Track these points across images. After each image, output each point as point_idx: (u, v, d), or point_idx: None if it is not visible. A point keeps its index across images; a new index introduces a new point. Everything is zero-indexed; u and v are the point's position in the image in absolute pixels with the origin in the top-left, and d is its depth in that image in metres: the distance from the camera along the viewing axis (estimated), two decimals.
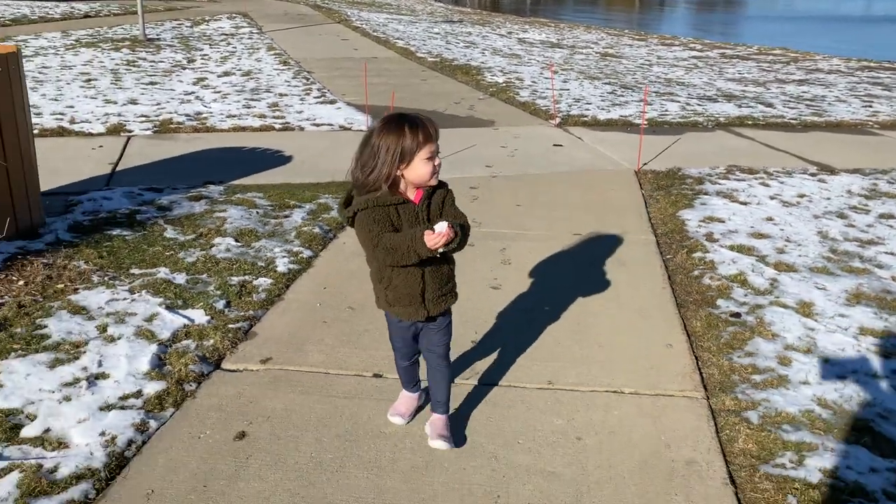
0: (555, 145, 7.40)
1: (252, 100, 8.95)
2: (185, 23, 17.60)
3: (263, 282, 3.99)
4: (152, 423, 2.82)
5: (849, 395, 3.16)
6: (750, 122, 8.76)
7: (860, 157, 7.23)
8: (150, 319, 3.53)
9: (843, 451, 2.79)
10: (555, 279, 4.25)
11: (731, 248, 4.68)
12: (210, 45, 13.95)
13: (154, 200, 5.18)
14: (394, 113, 2.38)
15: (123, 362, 3.16)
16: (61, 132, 7.09)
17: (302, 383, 3.12)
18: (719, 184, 6.07)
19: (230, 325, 3.53)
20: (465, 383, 3.15)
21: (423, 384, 2.89)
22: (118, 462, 2.60)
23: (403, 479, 2.57)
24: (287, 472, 2.58)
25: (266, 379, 3.15)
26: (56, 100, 8.48)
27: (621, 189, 6.01)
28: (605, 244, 4.78)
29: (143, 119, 7.71)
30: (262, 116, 8.07)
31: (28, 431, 2.73)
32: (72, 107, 8.15)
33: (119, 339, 3.34)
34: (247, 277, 4.03)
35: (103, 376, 3.07)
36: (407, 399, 2.89)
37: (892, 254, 4.69)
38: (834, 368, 3.36)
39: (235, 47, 13.75)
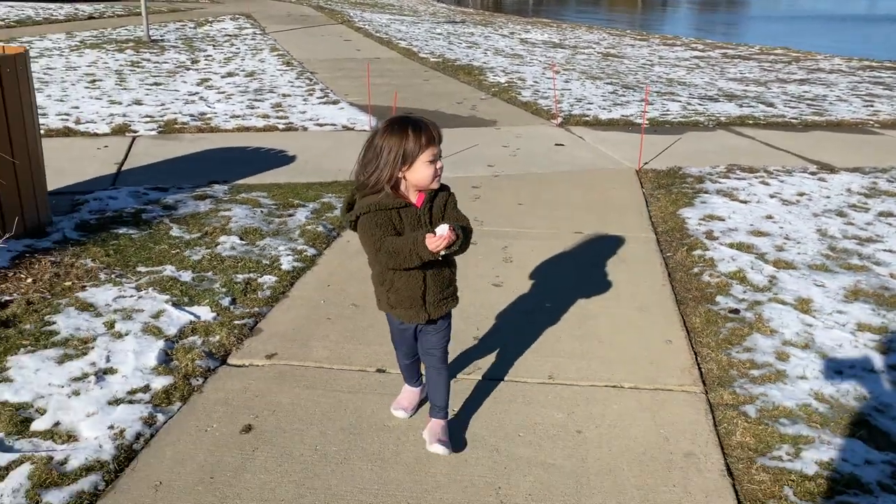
0: (556, 145, 7.45)
1: (255, 100, 9.02)
2: (188, 24, 17.68)
3: (268, 279, 4.05)
4: (160, 417, 2.87)
5: (845, 389, 3.20)
6: (751, 122, 8.80)
7: (860, 155, 7.26)
8: (156, 316, 3.58)
9: (840, 444, 2.84)
10: (556, 277, 4.30)
11: (731, 245, 4.72)
12: (213, 46, 14.02)
13: (159, 200, 5.24)
14: (398, 115, 2.41)
15: (131, 358, 3.21)
16: (67, 132, 7.15)
17: (307, 378, 3.17)
18: (720, 182, 6.11)
19: (236, 322, 3.58)
20: (466, 378, 3.20)
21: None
22: (127, 454, 2.66)
23: (407, 470, 2.62)
24: (293, 464, 2.63)
25: (271, 374, 3.20)
26: (61, 100, 8.55)
27: (622, 188, 6.05)
28: (606, 242, 4.83)
29: (148, 119, 7.78)
30: (266, 117, 8.13)
31: (38, 425, 2.78)
32: (77, 107, 8.22)
33: (126, 335, 3.40)
34: (252, 275, 4.08)
35: (111, 371, 3.13)
36: (409, 393, 2.94)
37: (890, 251, 4.73)
38: (831, 364, 3.40)
39: (239, 48, 13.81)
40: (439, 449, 2.67)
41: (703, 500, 2.52)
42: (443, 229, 2.25)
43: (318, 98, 9.33)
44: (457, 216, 2.46)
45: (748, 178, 6.27)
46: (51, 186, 4.88)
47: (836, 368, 3.37)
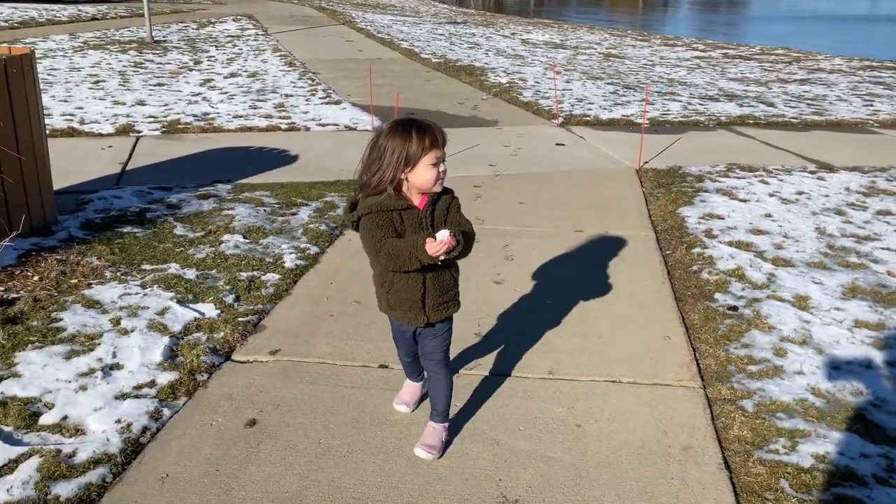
0: (557, 144, 7.50)
1: (258, 100, 9.07)
2: (191, 25, 17.74)
3: (271, 277, 4.09)
4: (166, 412, 2.92)
5: (842, 384, 3.24)
6: (751, 122, 8.84)
7: (860, 155, 7.30)
8: (161, 313, 3.63)
9: (836, 437, 2.88)
10: (556, 275, 4.34)
11: (730, 243, 4.76)
12: (216, 46, 14.08)
13: (163, 199, 5.29)
14: (404, 117, 2.42)
15: (137, 354, 3.26)
16: (71, 133, 7.21)
17: (310, 374, 3.22)
18: (719, 181, 6.16)
19: (240, 319, 3.63)
20: (468, 374, 3.25)
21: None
22: (134, 448, 2.70)
23: (409, 463, 2.66)
24: (297, 457, 2.68)
25: (275, 369, 3.24)
26: (65, 101, 8.60)
27: (622, 187, 6.10)
28: (606, 241, 4.87)
29: (152, 119, 7.83)
30: (269, 117, 8.18)
31: (46, 419, 2.83)
32: (81, 108, 8.27)
33: (132, 331, 3.45)
34: (255, 273, 4.13)
35: (118, 367, 3.18)
36: (411, 388, 2.98)
37: (888, 249, 4.77)
38: (828, 359, 3.44)
39: (241, 49, 13.87)
40: (422, 453, 2.68)
41: (700, 492, 2.56)
42: (443, 234, 2.26)
43: (320, 98, 9.38)
44: (459, 220, 2.46)
45: (748, 177, 6.31)
46: (56, 186, 4.93)
47: (833, 364, 3.41)
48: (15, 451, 2.62)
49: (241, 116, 8.16)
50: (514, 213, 5.38)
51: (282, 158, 6.60)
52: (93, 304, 3.68)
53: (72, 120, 7.66)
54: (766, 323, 3.74)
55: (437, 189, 2.41)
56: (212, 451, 2.70)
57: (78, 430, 2.77)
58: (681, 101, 9.97)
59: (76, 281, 3.94)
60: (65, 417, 2.84)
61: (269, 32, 16.85)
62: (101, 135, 7.21)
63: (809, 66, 15.03)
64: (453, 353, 2.79)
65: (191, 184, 5.67)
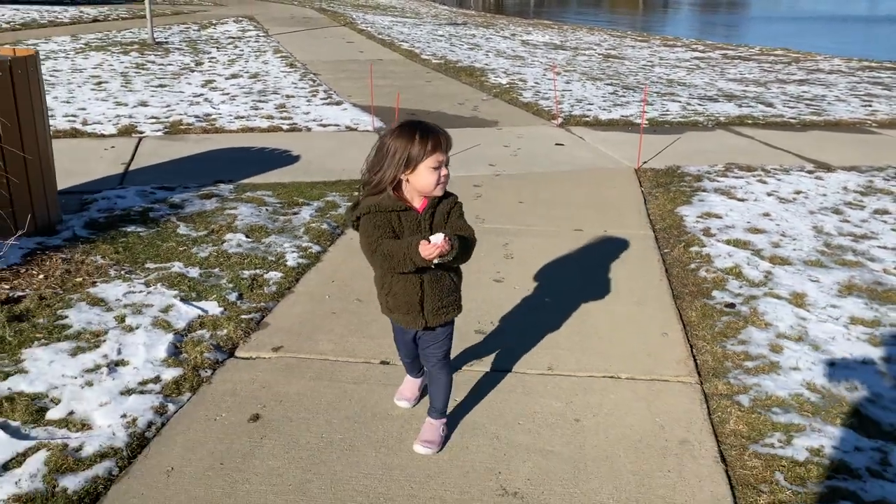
0: (557, 145, 7.54)
1: (260, 101, 9.12)
2: (192, 26, 17.80)
3: (274, 275, 4.14)
4: (170, 407, 2.96)
5: (837, 380, 3.28)
6: (750, 122, 8.89)
7: (857, 154, 7.35)
8: (165, 310, 3.67)
9: (830, 432, 2.92)
10: (556, 273, 4.38)
11: (728, 242, 4.81)
12: (217, 48, 14.13)
13: (166, 199, 5.34)
14: (412, 119, 2.44)
15: (142, 350, 3.31)
16: (74, 133, 7.26)
17: (312, 370, 3.26)
18: (717, 181, 6.20)
19: (243, 316, 3.67)
20: (468, 370, 3.29)
21: None
22: (139, 442, 2.75)
23: (410, 457, 2.70)
24: (299, 451, 2.72)
25: (278, 366, 3.29)
26: (68, 102, 8.65)
27: (621, 187, 6.14)
28: (605, 239, 4.91)
29: (154, 120, 7.88)
30: (270, 117, 8.23)
31: (53, 414, 2.87)
32: (84, 109, 8.32)
33: (137, 328, 3.49)
34: (258, 271, 4.18)
35: (123, 363, 3.22)
36: (411, 383, 3.02)
37: (884, 247, 4.82)
38: (824, 355, 3.49)
39: (242, 50, 13.93)
40: (421, 449, 2.72)
41: (696, 485, 2.61)
42: (437, 238, 2.27)
43: (321, 99, 9.43)
44: (460, 225, 2.46)
45: (746, 177, 6.35)
46: (60, 186, 4.97)
47: (829, 360, 3.45)
48: (23, 445, 2.66)
49: (242, 117, 8.21)
50: (514, 212, 5.43)
51: (283, 159, 6.65)
52: (97, 302, 3.73)
53: (75, 121, 7.71)
54: (763, 320, 3.79)
55: (438, 193, 2.42)
56: (216, 446, 2.74)
57: (84, 425, 2.82)
58: (680, 102, 10.02)
59: (81, 279, 3.99)
60: (71, 412, 2.88)
61: (270, 34, 16.91)
62: (103, 135, 7.26)
63: (808, 66, 15.08)
64: (454, 350, 2.83)
65: (193, 184, 5.72)
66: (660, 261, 4.59)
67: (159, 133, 7.41)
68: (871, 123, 9.01)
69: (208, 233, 4.71)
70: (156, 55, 12.77)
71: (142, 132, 7.41)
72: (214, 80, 10.53)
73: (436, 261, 2.32)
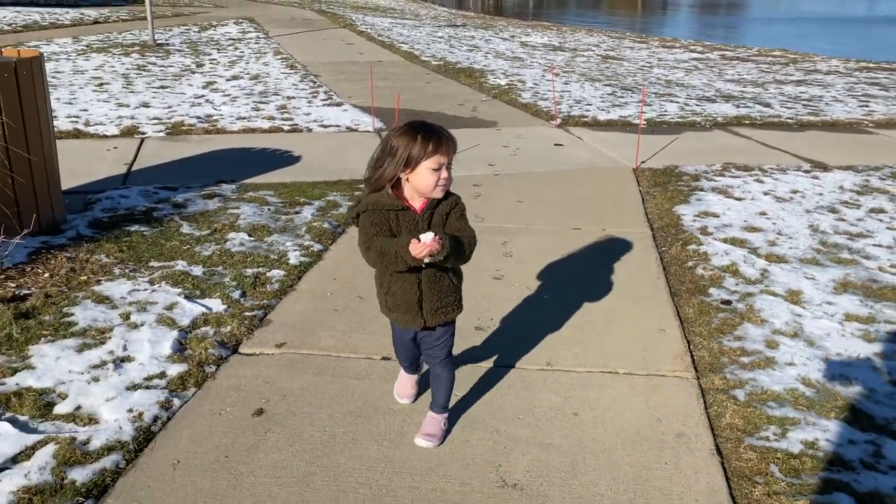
0: (555, 145, 7.60)
1: (261, 102, 9.17)
2: (192, 28, 17.85)
3: (276, 273, 4.19)
4: (176, 402, 3.01)
5: (832, 375, 3.34)
6: (747, 122, 8.94)
7: (854, 154, 7.40)
8: (170, 308, 3.73)
9: (824, 425, 2.97)
10: (554, 270, 4.44)
11: (725, 240, 4.86)
12: (218, 49, 14.19)
13: (169, 198, 5.39)
14: (418, 119, 2.45)
15: (147, 347, 3.36)
16: (77, 134, 7.31)
17: (315, 365, 3.31)
18: (715, 180, 6.26)
19: (246, 313, 3.72)
20: (468, 365, 3.34)
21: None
22: (145, 436, 2.80)
23: (411, 449, 2.76)
24: (303, 444, 2.77)
25: (281, 362, 3.34)
26: (70, 103, 8.70)
27: (619, 186, 6.20)
28: (603, 238, 4.97)
29: (156, 121, 7.93)
30: (271, 118, 8.28)
31: (60, 409, 2.92)
32: (86, 110, 8.38)
33: (142, 325, 3.54)
34: (260, 269, 4.23)
35: (128, 359, 3.27)
36: (408, 380, 3.02)
37: (879, 245, 4.87)
38: (819, 351, 3.54)
39: (243, 52, 13.98)
40: (422, 442, 2.76)
41: (693, 476, 2.66)
42: (427, 236, 2.28)
43: (322, 100, 9.48)
44: (459, 226, 2.46)
45: (743, 177, 6.41)
46: (63, 186, 5.02)
47: (824, 356, 3.50)
48: (31, 439, 2.71)
49: (244, 118, 8.27)
50: (514, 211, 5.48)
51: (285, 159, 6.70)
52: (103, 300, 3.78)
53: (77, 122, 7.76)
54: (759, 316, 3.84)
55: (437, 195, 2.42)
56: (221, 439, 2.79)
57: (91, 419, 2.87)
58: (678, 103, 10.07)
59: (86, 277, 4.04)
60: (78, 407, 2.94)
61: (270, 35, 16.96)
62: (106, 136, 7.31)
63: (806, 67, 15.14)
64: (454, 347, 2.88)
65: (196, 184, 5.77)
66: (657, 259, 4.64)
67: (161, 134, 7.46)
68: (868, 123, 9.07)
69: (211, 232, 4.76)
70: (157, 57, 12.83)
71: (144, 133, 7.46)
72: (215, 82, 10.59)
73: (426, 260, 2.32)
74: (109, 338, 3.43)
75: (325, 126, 8.06)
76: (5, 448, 2.65)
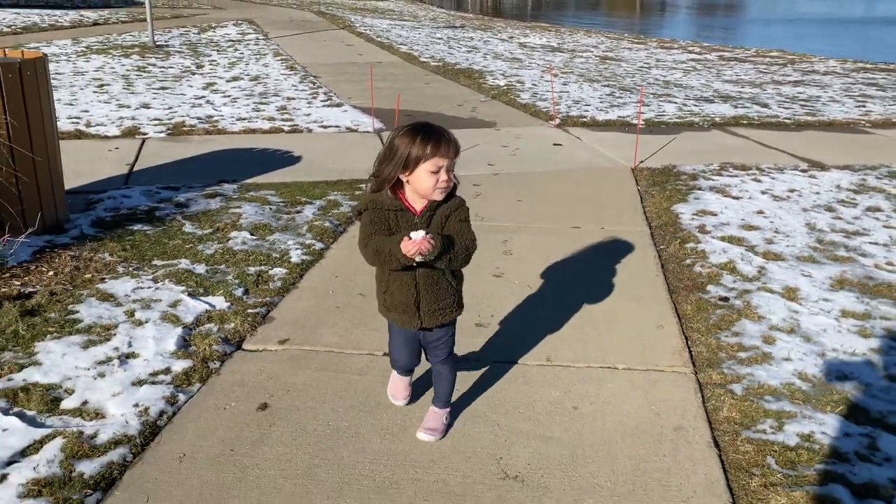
0: (554, 145, 7.65)
1: (261, 103, 9.21)
2: (192, 30, 17.90)
3: (279, 271, 4.23)
4: (181, 397, 3.05)
5: (828, 370, 3.38)
6: (745, 122, 9.00)
7: (851, 154, 7.46)
8: (174, 305, 3.77)
9: (820, 418, 3.02)
10: (553, 268, 4.48)
11: (722, 238, 4.91)
12: (218, 51, 14.23)
13: (171, 198, 5.43)
14: (423, 121, 2.45)
15: (151, 343, 3.40)
16: (78, 135, 7.35)
17: (318, 361, 3.35)
18: (713, 180, 6.31)
19: (249, 311, 3.77)
20: (469, 361, 3.38)
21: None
22: (152, 430, 2.84)
23: (414, 443, 2.80)
24: (307, 437, 2.81)
25: (285, 358, 3.38)
26: (71, 104, 8.74)
27: (618, 185, 6.24)
28: (602, 236, 5.01)
29: (157, 122, 7.97)
30: (272, 119, 8.33)
31: (67, 404, 2.96)
32: (86, 111, 8.41)
33: (146, 322, 3.58)
34: (263, 267, 4.27)
35: (134, 356, 3.31)
36: (401, 382, 2.97)
37: (875, 243, 4.92)
38: (815, 347, 3.58)
39: (242, 53, 14.03)
40: (424, 436, 2.80)
41: (691, 468, 2.70)
42: (418, 235, 2.28)
43: (321, 101, 9.53)
44: (458, 229, 2.44)
45: (741, 176, 6.46)
46: (66, 186, 5.06)
47: (820, 351, 3.55)
48: (39, 433, 2.75)
49: (244, 119, 8.31)
50: (513, 210, 5.53)
51: (285, 159, 6.74)
52: (107, 298, 3.82)
53: (78, 122, 7.80)
54: (756, 313, 3.88)
55: (437, 197, 2.42)
56: (226, 433, 2.83)
57: (98, 414, 2.91)
58: (676, 103, 10.13)
59: (90, 276, 4.08)
60: (85, 402, 2.97)
61: (270, 37, 17.01)
62: (107, 137, 7.35)
63: (804, 68, 15.21)
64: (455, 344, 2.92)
65: (197, 184, 5.81)
66: (656, 257, 4.69)
67: (162, 134, 7.50)
68: (865, 123, 9.12)
69: (213, 231, 4.80)
70: (156, 58, 12.87)
71: (145, 134, 7.50)
72: (215, 83, 10.63)
73: (417, 259, 2.31)
74: (114, 334, 3.47)
75: (325, 127, 8.11)
76: (14, 442, 2.69)
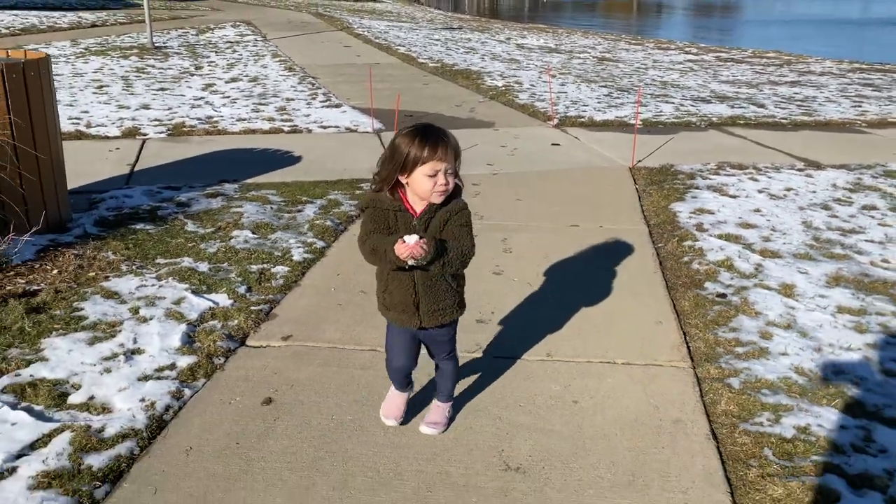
0: (553, 145, 7.70)
1: (260, 104, 9.25)
2: (190, 31, 17.94)
3: (281, 269, 4.27)
4: (186, 392, 3.09)
5: (824, 364, 3.43)
6: (742, 122, 9.06)
7: (847, 153, 7.51)
8: (177, 303, 3.81)
9: (817, 411, 3.06)
10: (553, 266, 4.53)
11: (720, 236, 4.96)
12: (216, 52, 14.27)
13: (173, 198, 5.47)
14: (425, 122, 2.46)
15: (156, 339, 3.44)
16: (79, 136, 7.39)
17: (321, 357, 3.40)
18: (710, 179, 6.36)
19: (252, 308, 3.81)
20: (470, 357, 3.42)
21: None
22: (158, 424, 2.88)
23: (417, 436, 2.84)
24: (311, 431, 2.86)
25: (288, 353, 3.42)
26: (71, 105, 8.78)
27: (616, 184, 6.29)
28: (601, 234, 5.06)
29: (157, 123, 8.01)
30: (271, 119, 8.37)
31: (74, 399, 3.00)
32: (87, 112, 8.45)
33: (151, 319, 3.62)
34: (265, 266, 4.31)
35: (139, 352, 3.35)
36: (398, 399, 2.88)
37: (871, 241, 4.97)
38: (811, 342, 3.63)
39: (241, 54, 14.07)
40: (427, 430, 2.83)
41: (689, 459, 2.75)
42: (411, 238, 2.28)
43: (320, 102, 9.57)
44: (456, 234, 2.42)
45: (738, 175, 6.51)
46: (68, 186, 5.09)
47: (816, 346, 3.60)
48: (47, 427, 2.79)
49: (244, 119, 8.35)
50: (512, 209, 5.57)
51: (285, 159, 6.79)
52: (111, 295, 3.86)
53: (78, 123, 7.84)
54: (753, 309, 3.93)
55: (435, 200, 2.41)
56: (231, 427, 2.87)
57: (105, 409, 2.95)
58: (673, 103, 10.19)
59: (94, 274, 4.12)
60: (92, 397, 3.01)
61: (268, 38, 17.05)
62: (107, 137, 7.39)
63: (800, 68, 15.28)
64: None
65: (198, 183, 5.85)
66: (654, 254, 4.74)
67: (162, 135, 7.54)
68: (861, 123, 9.19)
69: (215, 230, 4.84)
70: (155, 59, 12.91)
71: (145, 134, 7.54)
72: (214, 84, 10.67)
73: (410, 262, 2.32)
74: (119, 331, 3.51)
75: (325, 127, 8.15)
76: (23, 435, 2.73)
